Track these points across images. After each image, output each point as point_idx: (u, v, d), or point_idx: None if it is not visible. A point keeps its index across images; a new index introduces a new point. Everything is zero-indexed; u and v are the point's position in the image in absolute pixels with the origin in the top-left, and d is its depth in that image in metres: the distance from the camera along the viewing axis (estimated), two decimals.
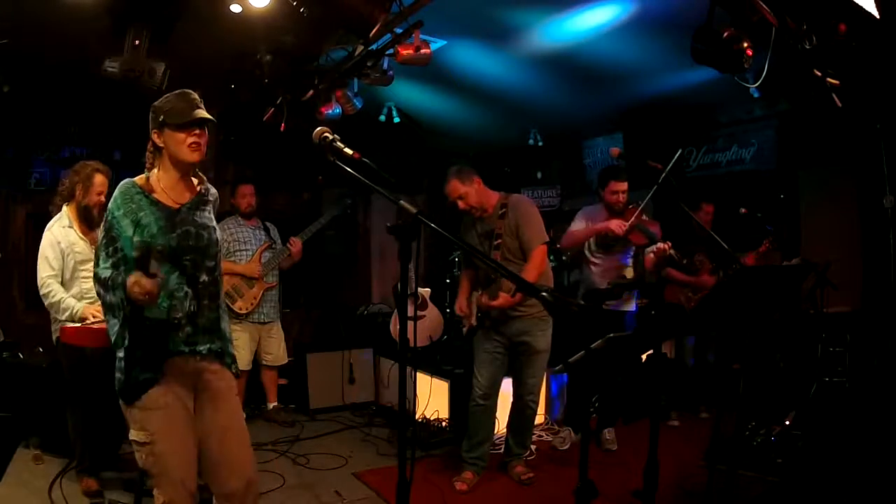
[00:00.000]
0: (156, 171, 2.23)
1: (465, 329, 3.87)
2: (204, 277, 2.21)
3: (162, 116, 2.15)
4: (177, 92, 2.21)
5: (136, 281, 1.92)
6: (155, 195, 2.19)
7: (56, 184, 5.45)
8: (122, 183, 2.21)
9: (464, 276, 3.95)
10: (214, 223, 2.32)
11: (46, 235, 3.38)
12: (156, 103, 2.19)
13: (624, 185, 4.18)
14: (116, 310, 2.06)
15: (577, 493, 1.92)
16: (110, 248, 2.10)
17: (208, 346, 2.21)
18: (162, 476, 2.09)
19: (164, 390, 2.09)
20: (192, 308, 2.17)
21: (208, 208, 2.32)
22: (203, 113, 2.16)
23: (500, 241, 3.64)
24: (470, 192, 3.65)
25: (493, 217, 3.70)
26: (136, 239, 2.09)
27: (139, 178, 2.23)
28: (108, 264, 2.09)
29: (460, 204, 3.67)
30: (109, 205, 2.17)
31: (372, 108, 5.27)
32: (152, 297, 1.95)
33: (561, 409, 5.00)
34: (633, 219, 4.08)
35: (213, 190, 2.39)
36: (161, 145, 2.19)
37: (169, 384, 2.11)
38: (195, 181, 2.31)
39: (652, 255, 4.02)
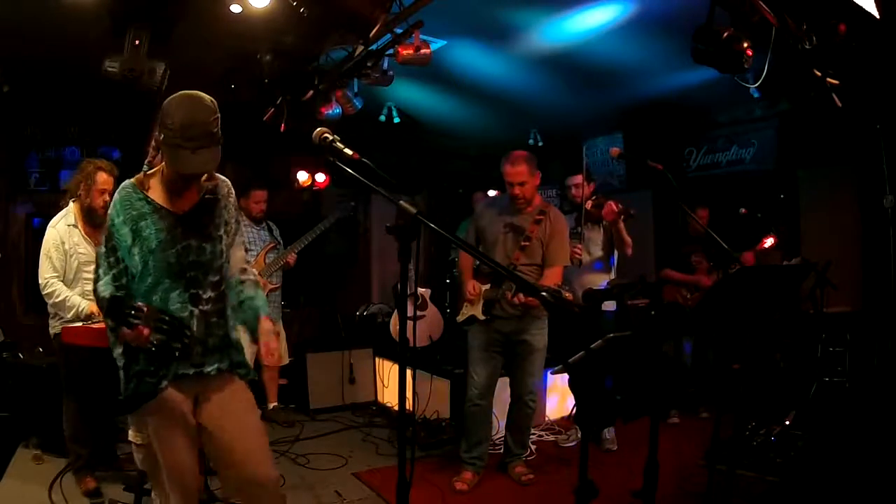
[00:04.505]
0: (156, 171, 2.10)
1: (461, 317, 3.79)
2: (209, 294, 2.11)
3: (164, 133, 1.93)
4: (189, 106, 1.93)
5: (129, 334, 1.91)
6: (155, 198, 2.07)
7: (56, 184, 5.52)
8: (121, 186, 2.11)
9: (465, 257, 3.89)
10: (222, 229, 2.16)
11: (50, 232, 3.33)
12: (168, 108, 1.94)
13: (577, 179, 4.27)
14: (111, 332, 2.04)
15: (577, 492, 1.92)
16: (111, 258, 2.05)
17: (216, 365, 2.12)
18: (158, 478, 2.09)
19: (164, 398, 2.05)
20: (199, 330, 2.07)
21: (217, 210, 2.16)
22: (203, 163, 1.95)
23: (528, 243, 3.64)
24: (532, 183, 3.63)
25: (528, 217, 3.68)
26: (135, 251, 2.02)
27: (138, 178, 2.10)
28: (108, 277, 2.04)
29: (517, 189, 3.60)
30: (109, 210, 2.09)
31: (372, 108, 5.26)
32: (142, 342, 1.92)
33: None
34: (589, 203, 4.22)
35: (223, 182, 2.21)
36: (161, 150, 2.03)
37: (169, 392, 2.06)
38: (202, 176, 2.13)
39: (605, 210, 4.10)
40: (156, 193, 2.08)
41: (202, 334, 2.09)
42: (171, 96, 1.97)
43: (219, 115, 1.97)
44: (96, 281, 2.08)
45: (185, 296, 2.06)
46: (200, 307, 2.09)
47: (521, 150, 3.66)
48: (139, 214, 2.04)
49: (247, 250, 4.75)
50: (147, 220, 2.04)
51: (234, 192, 2.25)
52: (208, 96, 1.99)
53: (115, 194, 2.10)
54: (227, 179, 2.24)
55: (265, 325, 2.20)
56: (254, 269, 2.31)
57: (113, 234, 2.05)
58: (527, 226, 3.66)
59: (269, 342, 2.20)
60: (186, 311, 2.06)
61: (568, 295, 4.05)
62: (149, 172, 2.11)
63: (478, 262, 3.79)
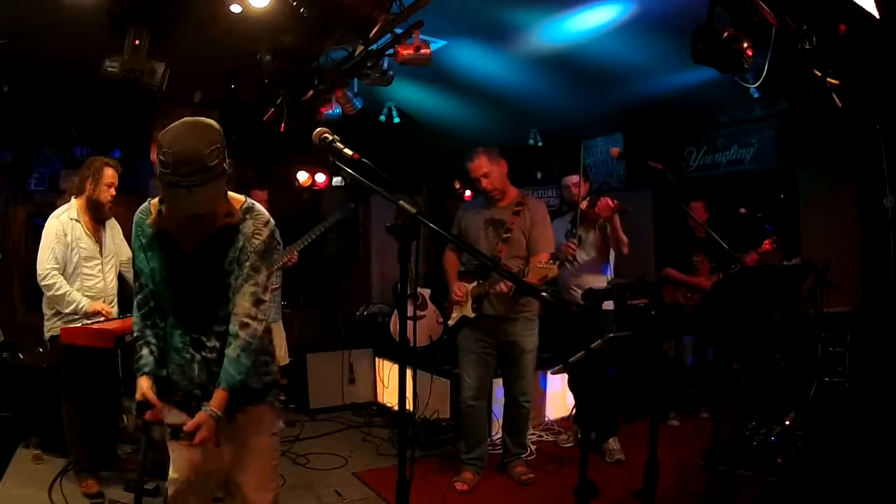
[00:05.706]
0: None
1: (451, 321, 3.79)
2: (213, 342, 1.97)
3: (158, 167, 1.75)
4: (184, 137, 1.73)
5: (143, 394, 1.91)
6: (167, 230, 1.93)
7: (56, 184, 5.52)
8: (138, 210, 1.99)
9: (450, 255, 3.88)
10: (233, 276, 1.94)
11: (53, 223, 3.31)
12: (162, 139, 1.73)
13: (574, 178, 4.25)
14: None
15: (577, 493, 1.91)
16: (136, 284, 2.04)
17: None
18: (170, 459, 2.10)
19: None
20: (201, 377, 1.98)
21: (231, 253, 1.94)
22: (199, 203, 1.75)
23: (509, 235, 3.65)
24: (495, 171, 3.66)
25: (507, 209, 3.71)
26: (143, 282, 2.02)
27: (154, 205, 1.94)
28: (135, 304, 2.04)
29: (483, 182, 3.66)
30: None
31: (372, 108, 5.26)
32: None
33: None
34: (584, 203, 4.15)
35: (253, 218, 1.96)
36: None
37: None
38: (222, 210, 1.91)
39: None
40: (168, 228, 1.95)
41: (203, 380, 1.99)
42: (171, 125, 1.77)
43: (219, 144, 1.76)
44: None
45: (187, 338, 1.98)
46: (204, 354, 1.98)
47: (480, 146, 3.71)
48: (148, 243, 1.96)
49: None
50: (154, 253, 1.96)
51: (267, 230, 1.98)
52: (210, 122, 1.79)
53: (134, 216, 2.00)
54: (263, 213, 2.00)
55: (206, 414, 1.89)
56: (257, 326, 1.96)
57: (135, 262, 2.04)
58: (506, 218, 3.68)
59: (204, 432, 1.86)
60: (188, 353, 1.98)
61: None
62: (162, 209, 1.93)
63: (463, 266, 3.80)
